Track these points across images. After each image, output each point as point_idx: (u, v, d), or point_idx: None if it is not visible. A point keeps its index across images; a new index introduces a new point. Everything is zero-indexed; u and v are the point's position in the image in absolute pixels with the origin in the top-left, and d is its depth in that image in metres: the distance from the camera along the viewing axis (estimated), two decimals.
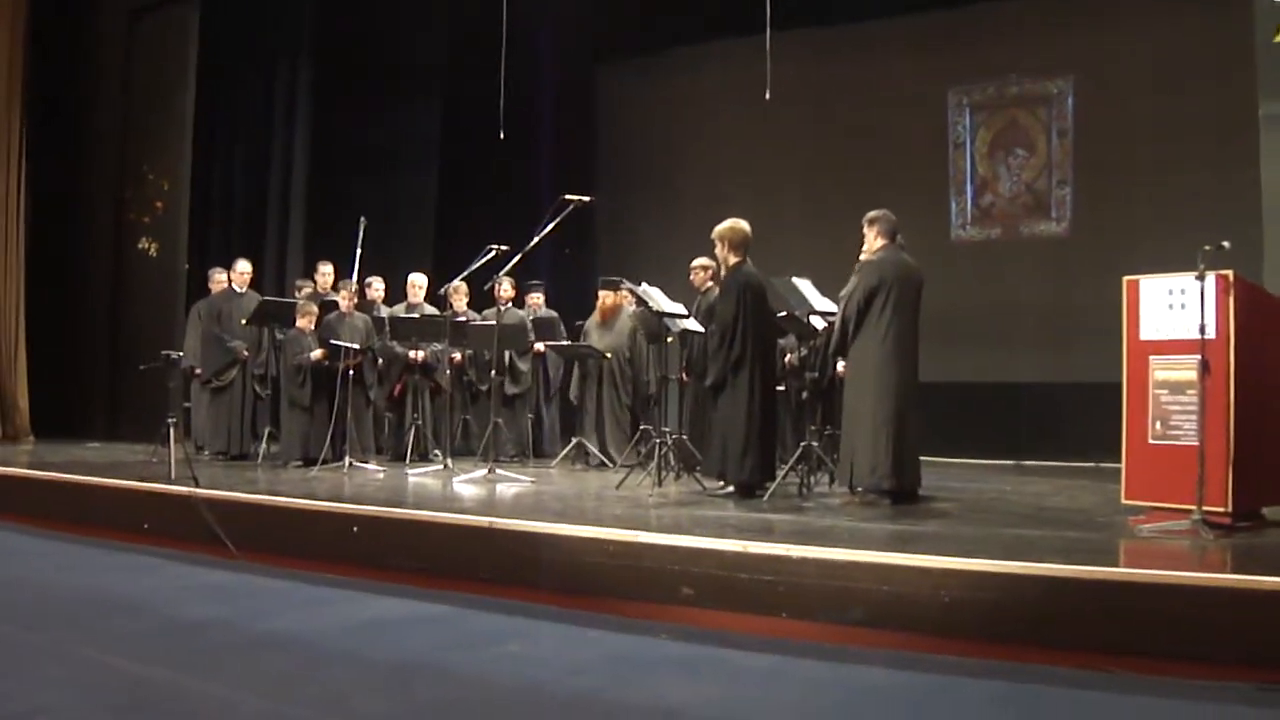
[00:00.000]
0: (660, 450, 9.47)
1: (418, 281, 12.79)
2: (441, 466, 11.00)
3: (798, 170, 16.25)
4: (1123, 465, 7.14)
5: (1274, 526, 7.02)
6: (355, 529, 7.53)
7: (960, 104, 15.69)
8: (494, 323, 11.25)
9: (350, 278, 11.64)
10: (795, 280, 9.51)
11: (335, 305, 11.63)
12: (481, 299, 12.09)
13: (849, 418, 8.53)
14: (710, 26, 16.24)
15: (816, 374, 10.14)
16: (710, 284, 10.65)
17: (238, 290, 12.61)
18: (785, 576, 5.74)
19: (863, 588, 5.54)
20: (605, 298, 12.33)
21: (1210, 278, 6.52)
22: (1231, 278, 6.63)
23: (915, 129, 15.82)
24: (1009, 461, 13.05)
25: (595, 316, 12.50)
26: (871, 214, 8.72)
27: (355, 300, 11.68)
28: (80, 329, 16.12)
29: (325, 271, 12.76)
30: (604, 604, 6.24)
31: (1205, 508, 6.38)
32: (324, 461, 10.88)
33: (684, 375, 11.17)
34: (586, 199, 10.27)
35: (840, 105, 16.11)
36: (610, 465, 11.54)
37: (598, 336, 12.29)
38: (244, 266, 12.80)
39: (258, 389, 12.33)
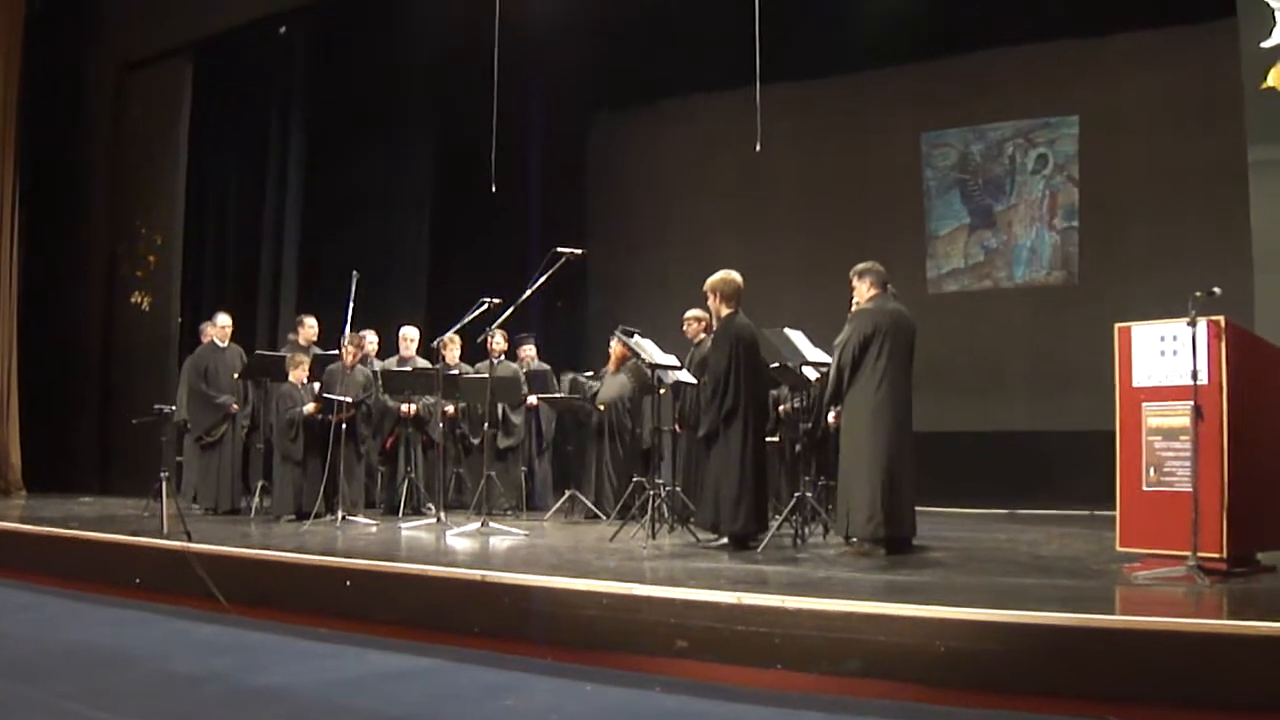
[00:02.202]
0: (654, 502, 9.45)
1: (409, 334, 12.79)
2: (434, 520, 10.95)
3: (790, 221, 16.33)
4: (1117, 512, 7.13)
5: (1269, 571, 6.99)
6: (348, 583, 7.49)
7: (953, 151, 15.77)
8: (486, 375, 11.25)
9: (344, 332, 11.59)
10: (787, 331, 9.52)
11: (334, 358, 11.62)
12: (474, 352, 12.09)
13: (844, 467, 8.51)
14: (701, 78, 16.37)
15: (810, 424, 10.14)
16: (703, 335, 10.65)
17: (220, 344, 12.58)
18: (781, 628, 5.70)
19: (859, 639, 5.50)
20: (616, 347, 12.25)
21: (1202, 324, 6.54)
22: (1223, 323, 6.64)
23: (906, 178, 15.94)
24: (1003, 510, 13.02)
25: (609, 366, 12.47)
26: (860, 266, 8.74)
27: (358, 355, 11.63)
28: (73, 383, 16.10)
29: (310, 324, 12.68)
30: (598, 657, 6.20)
31: (1200, 554, 6.38)
32: (316, 515, 10.84)
33: (677, 427, 11.15)
34: (578, 252, 10.31)
35: (832, 156, 16.22)
36: (603, 517, 11.50)
37: (606, 386, 12.27)
38: (224, 320, 12.73)
39: (245, 443, 12.29)
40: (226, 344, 12.65)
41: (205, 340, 12.85)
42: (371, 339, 12.80)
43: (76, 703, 5.34)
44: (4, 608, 8.57)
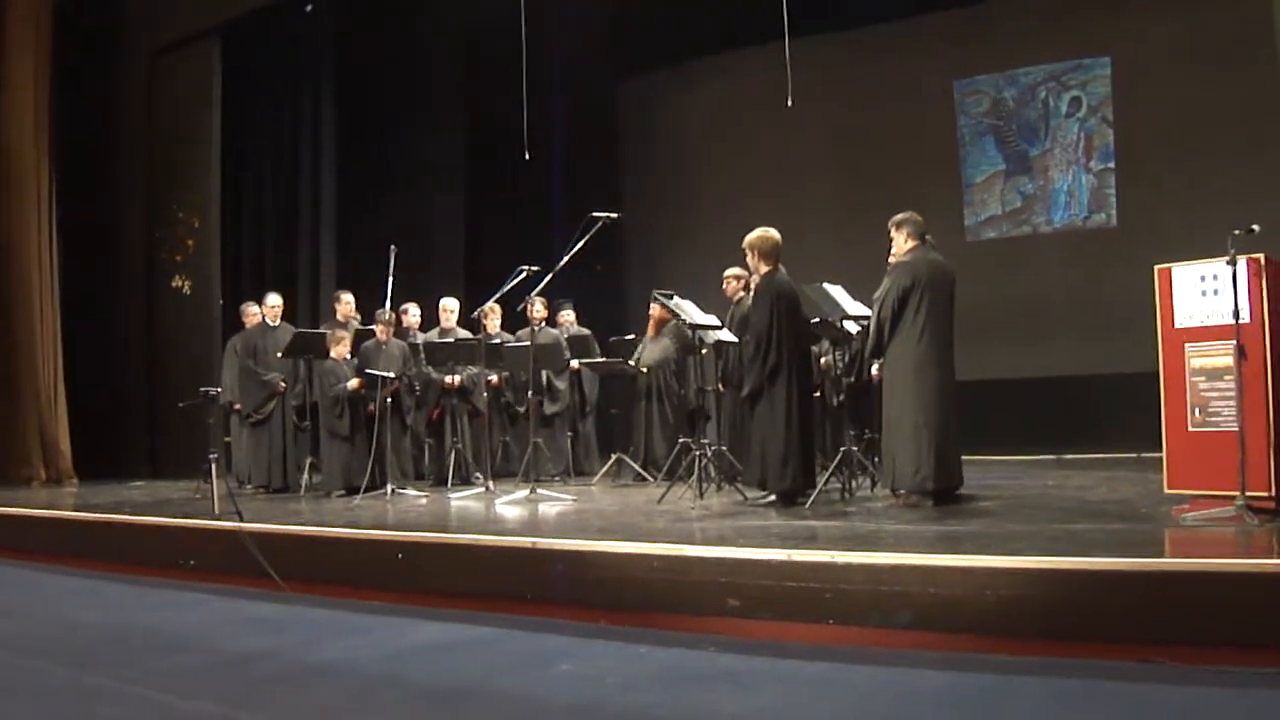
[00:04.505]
0: (700, 462, 9.47)
1: (449, 306, 12.79)
2: (483, 489, 11.02)
3: (825, 175, 16.27)
4: (1163, 454, 7.11)
5: None
6: (400, 555, 7.54)
7: (985, 98, 15.67)
8: (528, 343, 11.27)
9: (384, 307, 11.61)
10: (827, 286, 9.50)
11: (372, 333, 11.66)
12: (514, 320, 12.11)
13: (888, 420, 8.51)
14: (729, 36, 16.30)
15: (852, 378, 10.13)
16: (743, 293, 10.64)
17: (271, 324, 12.65)
18: (831, 583, 5.72)
19: (910, 591, 5.52)
20: (654, 310, 12.27)
21: (1241, 262, 6.49)
22: (1263, 261, 6.60)
23: (940, 126, 15.84)
24: (1049, 456, 13.00)
25: (649, 330, 12.49)
26: (897, 217, 8.69)
27: (392, 331, 11.67)
28: (117, 370, 16.23)
29: (347, 300, 12.76)
30: (651, 619, 6.23)
31: (1248, 493, 6.36)
32: (366, 490, 10.89)
33: (721, 386, 11.15)
34: (614, 215, 10.28)
35: (864, 107, 16.12)
36: (651, 479, 11.53)
37: (649, 349, 12.29)
38: (275, 300, 12.83)
39: (296, 420, 12.36)
40: (278, 323, 12.73)
41: (248, 321, 12.93)
42: (414, 312, 12.84)
43: (143, 687, 5.40)
44: (61, 594, 8.67)
